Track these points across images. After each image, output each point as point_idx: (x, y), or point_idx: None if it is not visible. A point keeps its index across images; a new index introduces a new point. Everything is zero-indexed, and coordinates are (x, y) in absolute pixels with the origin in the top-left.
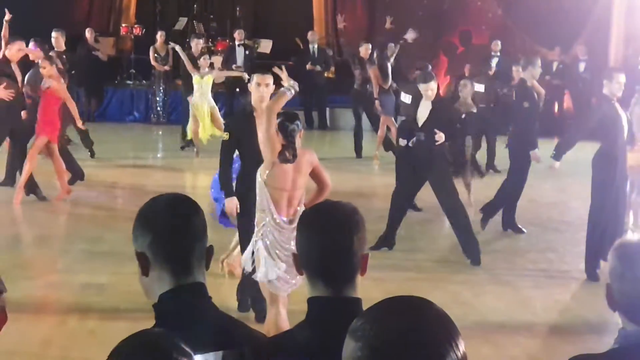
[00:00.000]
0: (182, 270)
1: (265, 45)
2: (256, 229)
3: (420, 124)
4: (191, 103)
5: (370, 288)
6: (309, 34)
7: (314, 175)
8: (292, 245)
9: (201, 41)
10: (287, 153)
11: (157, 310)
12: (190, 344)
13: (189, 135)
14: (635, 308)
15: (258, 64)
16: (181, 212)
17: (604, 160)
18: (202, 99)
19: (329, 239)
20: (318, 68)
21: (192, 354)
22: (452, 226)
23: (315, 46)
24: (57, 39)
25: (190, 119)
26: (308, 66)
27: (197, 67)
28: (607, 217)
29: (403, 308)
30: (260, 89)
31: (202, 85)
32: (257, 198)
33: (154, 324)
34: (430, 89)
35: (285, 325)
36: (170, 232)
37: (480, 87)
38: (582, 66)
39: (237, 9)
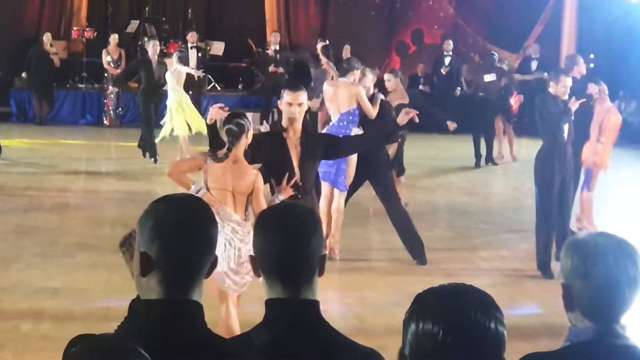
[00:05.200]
0: (175, 283)
1: (218, 47)
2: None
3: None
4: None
5: (324, 289)
6: (272, 35)
7: (252, 198)
8: (246, 248)
9: (157, 42)
10: (219, 152)
11: (131, 311)
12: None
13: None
14: (596, 306)
15: (211, 66)
16: (195, 224)
17: (544, 159)
18: (177, 94)
19: (286, 240)
20: (280, 70)
21: (149, 358)
22: (396, 229)
23: (278, 48)
24: None
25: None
26: (271, 68)
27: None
28: (552, 215)
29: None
30: (291, 108)
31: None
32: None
33: (122, 322)
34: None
35: (236, 324)
36: (178, 247)
37: (491, 77)
38: (534, 64)
39: (189, 10)
